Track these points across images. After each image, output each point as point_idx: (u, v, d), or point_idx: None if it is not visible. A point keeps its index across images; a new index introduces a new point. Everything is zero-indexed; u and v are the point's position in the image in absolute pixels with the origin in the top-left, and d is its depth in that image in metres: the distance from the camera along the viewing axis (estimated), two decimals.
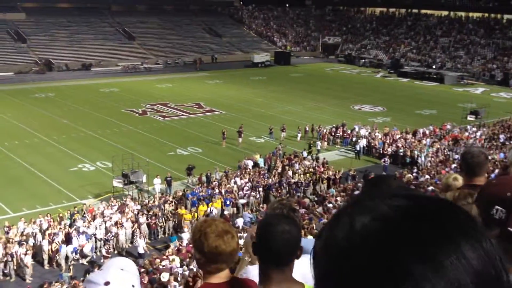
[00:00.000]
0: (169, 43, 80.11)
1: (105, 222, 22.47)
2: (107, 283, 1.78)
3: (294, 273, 3.00)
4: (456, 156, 32.10)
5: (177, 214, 23.90)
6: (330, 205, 23.72)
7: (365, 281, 0.75)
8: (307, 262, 3.15)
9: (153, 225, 23.24)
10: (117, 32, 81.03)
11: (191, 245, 20.80)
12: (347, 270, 0.78)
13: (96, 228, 22.01)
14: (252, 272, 3.22)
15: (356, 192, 25.40)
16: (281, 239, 2.31)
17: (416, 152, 32.51)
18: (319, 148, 34.72)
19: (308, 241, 4.60)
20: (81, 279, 18.52)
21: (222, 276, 2.78)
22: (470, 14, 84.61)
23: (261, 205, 25.95)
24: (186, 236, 22.36)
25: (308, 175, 29.09)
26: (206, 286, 2.78)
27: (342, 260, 0.79)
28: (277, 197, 25.69)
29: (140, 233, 22.11)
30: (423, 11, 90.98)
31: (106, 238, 21.80)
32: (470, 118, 40.47)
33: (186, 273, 17.51)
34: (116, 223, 22.39)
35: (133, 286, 1.85)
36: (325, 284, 0.83)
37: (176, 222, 23.84)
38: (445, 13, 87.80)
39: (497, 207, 1.71)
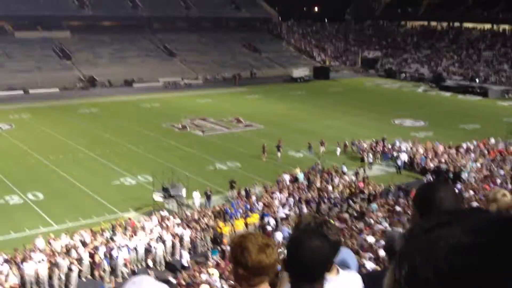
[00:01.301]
0: (208, 59, 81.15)
1: (146, 235, 22.72)
2: None
3: None
4: (502, 172, 31.18)
5: (216, 228, 23.95)
6: (371, 221, 23.34)
7: None
8: (351, 276, 3.09)
9: (194, 238, 23.36)
10: (158, 48, 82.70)
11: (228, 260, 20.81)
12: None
13: (138, 241, 22.27)
14: None
15: (397, 208, 24.94)
16: (312, 255, 2.29)
17: (460, 168, 31.72)
18: (371, 160, 34.35)
19: (348, 255, 4.50)
20: None
21: (264, 286, 2.75)
22: None
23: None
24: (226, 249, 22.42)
25: (347, 190, 28.74)
26: None
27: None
28: (315, 212, 25.48)
29: (181, 246, 22.22)
30: (465, 24, 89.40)
31: (148, 250, 22.02)
32: None
33: (225, 287, 17.48)
34: (158, 237, 22.62)
35: None
36: None
37: (212, 237, 23.88)
38: (487, 26, 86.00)
39: None
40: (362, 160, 34.42)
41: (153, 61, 77.63)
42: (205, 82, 72.12)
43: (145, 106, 54.65)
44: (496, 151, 36.07)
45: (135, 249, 22.04)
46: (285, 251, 2.46)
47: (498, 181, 28.71)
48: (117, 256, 21.19)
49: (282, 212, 25.91)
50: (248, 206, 26.05)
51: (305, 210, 26.42)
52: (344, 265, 4.00)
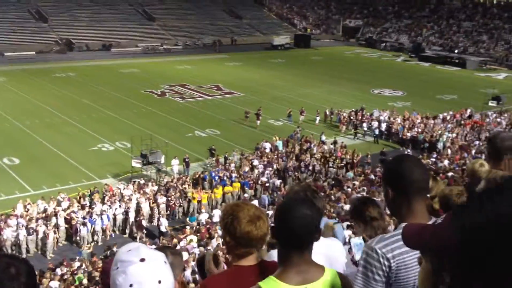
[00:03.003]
0: (188, 25, 79.97)
1: (124, 202, 22.74)
2: (142, 260, 1.81)
3: (317, 255, 3.01)
4: (477, 142, 31.74)
5: (190, 197, 24.00)
6: (348, 189, 23.64)
7: None
8: (333, 244, 3.16)
9: (173, 205, 23.46)
10: (137, 13, 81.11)
11: (208, 226, 20.99)
12: None
13: (115, 208, 22.28)
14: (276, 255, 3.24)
15: (372, 177, 25.29)
16: (301, 223, 2.30)
17: (435, 137, 32.18)
18: (365, 129, 34.55)
19: (338, 227, 4.63)
20: (101, 257, 18.83)
21: (251, 259, 2.78)
22: None
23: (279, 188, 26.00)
24: (203, 217, 22.57)
25: (325, 159, 29.00)
26: (236, 269, 2.79)
27: None
28: (295, 180, 25.74)
29: (159, 213, 22.32)
30: None
31: (126, 216, 22.06)
32: (492, 104, 39.86)
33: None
34: (137, 204, 22.66)
35: (165, 262, 1.88)
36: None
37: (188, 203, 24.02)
38: None
39: None
40: (356, 128, 34.78)
41: (132, 26, 76.22)
42: (185, 48, 71.24)
43: (123, 71, 53.89)
44: (472, 121, 36.64)
45: (114, 215, 22.09)
46: (274, 219, 2.46)
47: (473, 151, 29.23)
48: (94, 222, 21.22)
49: (261, 180, 26.09)
50: (228, 174, 26.16)
51: (282, 178, 26.65)
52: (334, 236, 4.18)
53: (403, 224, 2.49)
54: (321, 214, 3.84)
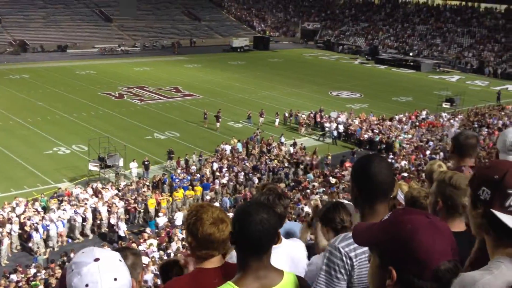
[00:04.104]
0: (147, 26, 79.10)
1: (81, 206, 22.28)
2: (96, 259, 1.81)
3: (281, 257, 3.03)
4: (431, 143, 32.59)
5: (147, 203, 23.57)
6: (308, 191, 23.87)
7: None
8: (296, 245, 3.18)
9: (132, 209, 23.13)
10: (94, 13, 79.66)
11: (168, 230, 20.81)
12: None
13: (72, 212, 21.80)
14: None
15: (332, 179, 25.62)
16: (258, 228, 2.27)
17: (392, 139, 32.87)
18: (334, 133, 34.61)
19: (294, 225, 4.66)
20: (58, 262, 18.41)
21: (214, 261, 2.77)
22: (448, 2, 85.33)
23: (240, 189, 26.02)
24: (162, 220, 22.36)
25: (285, 160, 29.20)
26: (199, 271, 2.78)
27: None
28: (258, 182, 25.78)
29: (117, 217, 22.00)
30: None
31: (83, 221, 21.63)
32: (445, 105, 40.98)
33: (165, 257, 17.52)
34: (94, 208, 22.24)
35: (120, 260, 1.88)
36: None
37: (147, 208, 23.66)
38: (423, 0, 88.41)
39: (484, 188, 1.83)
40: (323, 129, 34.49)
41: (88, 26, 74.80)
42: (143, 50, 70.44)
43: (80, 73, 52.84)
44: (427, 122, 37.62)
45: (69, 220, 21.61)
46: (232, 224, 2.42)
47: (428, 152, 30.01)
48: (47, 228, 20.66)
49: (221, 182, 26.05)
50: (190, 178, 25.99)
51: (242, 180, 26.69)
52: (291, 235, 4.14)
53: None
54: (282, 218, 3.84)
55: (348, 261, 2.60)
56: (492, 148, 24.06)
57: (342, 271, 2.60)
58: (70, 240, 21.53)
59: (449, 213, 3.02)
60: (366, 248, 2.57)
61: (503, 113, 39.57)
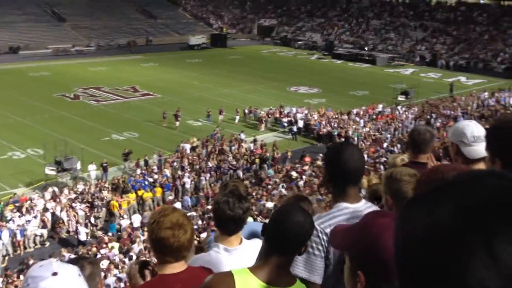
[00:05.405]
0: (101, 25, 77.65)
1: (38, 212, 21.75)
2: (54, 274, 1.76)
3: (244, 258, 3.04)
4: (388, 136, 33.26)
5: (110, 205, 23.26)
6: (269, 187, 24.01)
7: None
8: (258, 246, 3.19)
9: (90, 212, 22.70)
10: (46, 13, 77.67)
11: (129, 232, 20.55)
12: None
13: (29, 219, 21.26)
14: (202, 259, 3.21)
15: (294, 173, 25.83)
16: (294, 230, 2.36)
17: (350, 132, 33.35)
18: (285, 124, 34.84)
19: (257, 226, 4.67)
20: (15, 270, 17.94)
21: (176, 266, 2.72)
22: None
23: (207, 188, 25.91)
24: (125, 222, 22.07)
25: (246, 157, 29.26)
26: (160, 278, 2.72)
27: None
28: (218, 180, 25.75)
29: (77, 221, 21.57)
30: None
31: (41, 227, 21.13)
32: (401, 98, 41.85)
33: (126, 260, 17.31)
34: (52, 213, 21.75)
35: (79, 275, 1.84)
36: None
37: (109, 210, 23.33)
38: None
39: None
40: (291, 124, 34.62)
41: (41, 27, 72.85)
42: (98, 49, 69.13)
43: (33, 75, 51.46)
44: (384, 115, 38.35)
45: (26, 227, 21.03)
46: (269, 220, 2.48)
47: (385, 144, 30.62)
48: (3, 235, 20.07)
49: (182, 182, 25.89)
50: (151, 179, 25.69)
51: (204, 178, 26.59)
52: (256, 236, 4.16)
53: (338, 204, 2.81)
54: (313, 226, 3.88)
55: (324, 237, 2.67)
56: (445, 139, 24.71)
57: (320, 247, 2.67)
58: (28, 247, 20.97)
59: (400, 207, 3.09)
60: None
61: (455, 104, 40.70)
